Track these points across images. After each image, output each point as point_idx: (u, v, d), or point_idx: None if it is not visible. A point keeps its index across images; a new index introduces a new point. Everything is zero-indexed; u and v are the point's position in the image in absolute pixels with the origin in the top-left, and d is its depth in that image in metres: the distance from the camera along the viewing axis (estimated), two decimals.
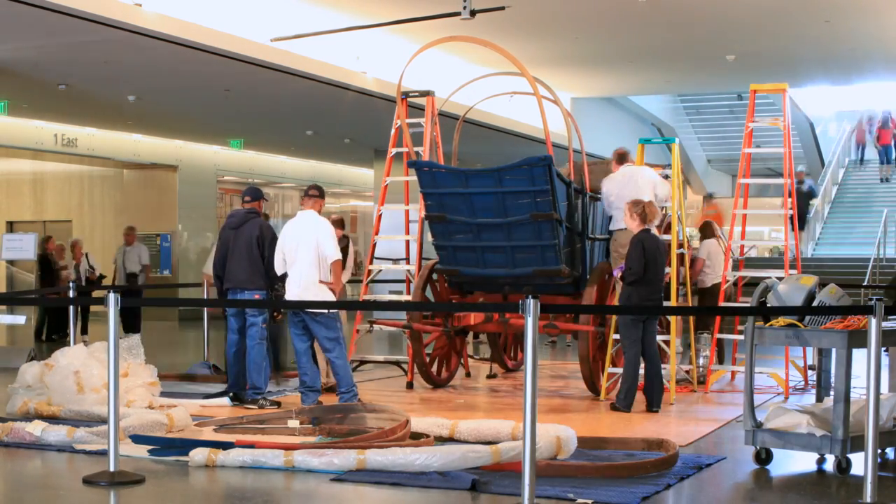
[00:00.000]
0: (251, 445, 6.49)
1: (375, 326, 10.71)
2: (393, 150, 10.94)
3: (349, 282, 10.50)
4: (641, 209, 8.74)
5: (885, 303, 5.58)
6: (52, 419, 7.86)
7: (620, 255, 9.27)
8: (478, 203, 9.20)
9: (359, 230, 27.88)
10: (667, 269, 9.18)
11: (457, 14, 11.14)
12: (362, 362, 11.15)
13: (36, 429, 7.09)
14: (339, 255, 8.53)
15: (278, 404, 8.94)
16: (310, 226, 8.57)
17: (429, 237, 10.01)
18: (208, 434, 7.25)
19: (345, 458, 6.14)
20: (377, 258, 11.16)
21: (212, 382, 10.30)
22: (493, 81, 11.49)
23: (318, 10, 13.06)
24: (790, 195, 10.27)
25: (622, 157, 10.07)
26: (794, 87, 24.68)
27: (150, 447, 6.69)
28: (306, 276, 8.47)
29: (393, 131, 10.84)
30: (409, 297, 10.60)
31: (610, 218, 10.08)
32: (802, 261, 12.55)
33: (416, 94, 10.78)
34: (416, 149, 10.66)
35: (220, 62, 12.72)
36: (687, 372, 10.11)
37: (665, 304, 9.31)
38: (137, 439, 6.86)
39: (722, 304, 10.37)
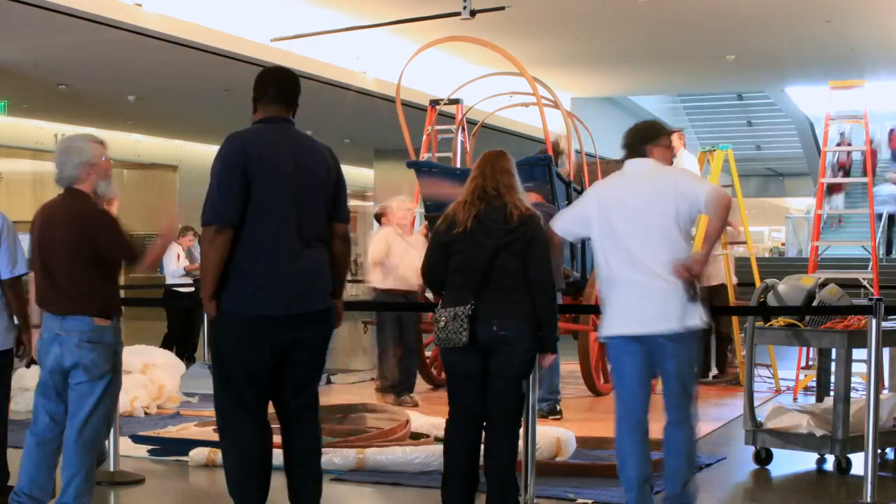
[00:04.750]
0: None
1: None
2: (425, 156, 11.08)
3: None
4: None
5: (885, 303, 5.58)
6: None
7: None
8: None
9: (359, 230, 27.87)
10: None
11: (457, 14, 11.15)
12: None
13: None
14: None
15: None
16: None
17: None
18: (208, 434, 7.24)
19: (345, 458, 6.15)
20: None
21: None
22: (492, 81, 11.50)
23: (318, 10, 13.06)
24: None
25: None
26: (794, 87, 24.73)
27: (149, 447, 6.69)
28: None
29: (424, 138, 11.04)
30: None
31: None
32: (799, 260, 12.56)
33: (446, 101, 11.02)
34: (446, 154, 11.04)
35: (220, 62, 12.72)
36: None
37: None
38: (137, 439, 6.87)
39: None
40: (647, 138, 4.93)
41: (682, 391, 4.78)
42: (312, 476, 4.49)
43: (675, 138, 5.97)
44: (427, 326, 10.07)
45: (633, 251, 4.75)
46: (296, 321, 4.33)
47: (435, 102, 11.15)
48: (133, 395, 8.26)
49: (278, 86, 4.62)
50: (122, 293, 5.25)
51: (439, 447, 6.27)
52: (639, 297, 4.72)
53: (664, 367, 4.77)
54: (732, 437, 7.43)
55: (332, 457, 6.16)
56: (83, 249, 4.63)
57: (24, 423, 7.85)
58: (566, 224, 5.09)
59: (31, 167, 22.55)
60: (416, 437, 6.86)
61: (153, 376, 8.67)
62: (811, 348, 8.47)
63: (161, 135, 20.40)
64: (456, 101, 11.04)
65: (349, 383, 10.66)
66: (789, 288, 6.57)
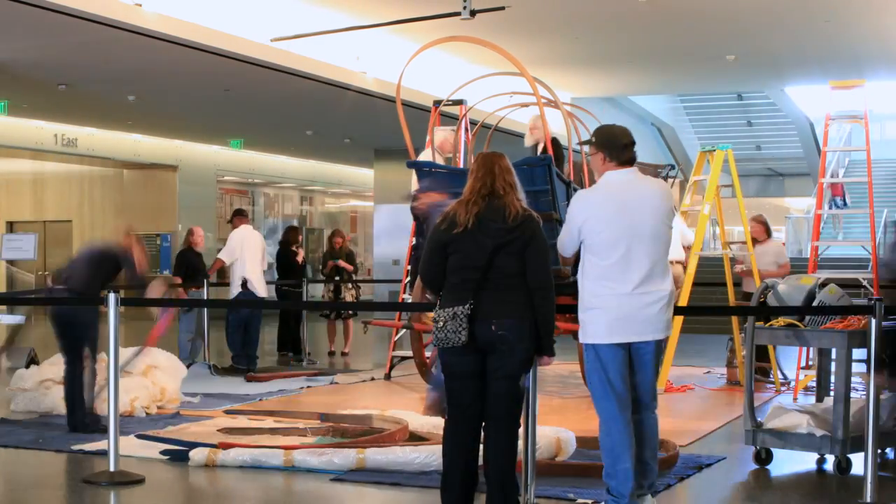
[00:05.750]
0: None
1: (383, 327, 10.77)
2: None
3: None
4: None
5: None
6: None
7: None
8: None
9: (359, 230, 27.87)
10: None
11: (457, 14, 11.13)
12: (403, 358, 11.19)
13: None
14: None
15: None
16: None
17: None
18: (209, 434, 7.24)
19: (345, 458, 6.15)
20: None
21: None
22: (492, 81, 11.50)
23: (318, 10, 13.04)
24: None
25: None
26: (794, 87, 24.72)
27: (163, 448, 6.67)
28: None
29: (427, 139, 11.02)
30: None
31: None
32: (799, 260, 12.54)
33: (450, 102, 11.00)
34: (448, 155, 10.94)
35: (220, 62, 12.71)
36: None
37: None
38: (142, 438, 6.87)
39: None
40: (630, 146, 5.14)
41: (655, 381, 5.16)
42: None
43: None
44: (425, 326, 10.07)
45: (634, 257, 4.97)
46: None
47: (438, 104, 11.12)
48: (133, 395, 8.27)
49: None
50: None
51: (439, 447, 6.28)
52: (634, 304, 4.98)
53: (646, 362, 5.06)
54: (732, 437, 7.44)
55: (332, 457, 6.17)
56: None
57: (23, 422, 7.88)
58: (574, 244, 5.22)
59: (31, 167, 22.55)
60: (415, 439, 6.84)
61: (155, 378, 8.67)
62: (811, 348, 8.48)
63: (161, 135, 20.38)
64: (459, 102, 11.04)
65: (349, 383, 10.67)
66: (789, 288, 6.58)
